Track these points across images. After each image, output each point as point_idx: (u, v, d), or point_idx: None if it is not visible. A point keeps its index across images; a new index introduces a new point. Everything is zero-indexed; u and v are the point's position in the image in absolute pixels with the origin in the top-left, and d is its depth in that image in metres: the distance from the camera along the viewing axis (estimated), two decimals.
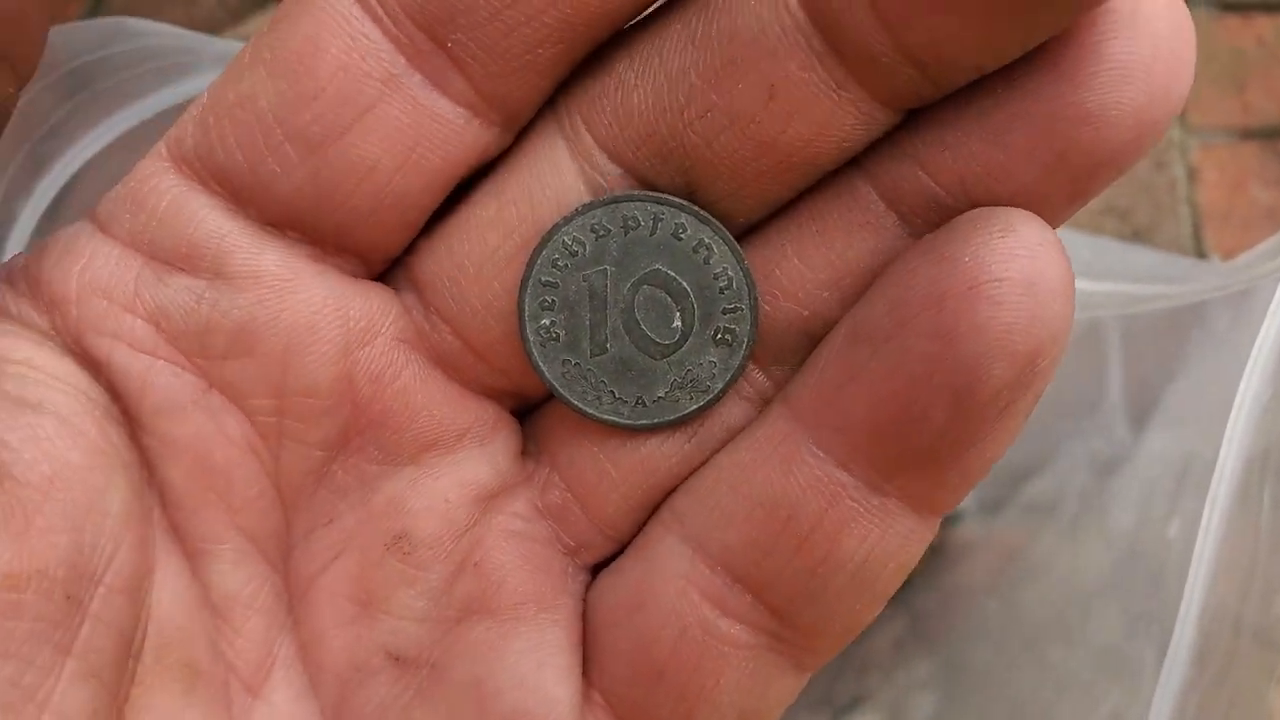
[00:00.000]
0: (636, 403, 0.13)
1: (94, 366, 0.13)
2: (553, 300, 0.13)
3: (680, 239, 0.12)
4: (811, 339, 0.12)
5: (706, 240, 0.12)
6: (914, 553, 0.12)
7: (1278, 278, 0.21)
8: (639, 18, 0.12)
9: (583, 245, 0.13)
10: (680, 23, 0.12)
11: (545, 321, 0.13)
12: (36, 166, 0.22)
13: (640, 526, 0.14)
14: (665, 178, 0.12)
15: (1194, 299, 0.23)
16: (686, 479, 0.13)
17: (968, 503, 0.37)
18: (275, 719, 0.14)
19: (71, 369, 0.13)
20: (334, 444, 0.14)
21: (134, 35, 0.21)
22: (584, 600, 0.14)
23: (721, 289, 0.12)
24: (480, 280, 0.13)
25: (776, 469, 0.12)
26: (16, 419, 0.12)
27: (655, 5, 0.12)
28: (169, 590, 0.13)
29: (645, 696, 0.13)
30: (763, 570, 0.12)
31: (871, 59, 0.11)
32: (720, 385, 0.13)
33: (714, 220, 0.12)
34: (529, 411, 0.15)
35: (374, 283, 0.14)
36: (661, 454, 0.13)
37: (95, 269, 0.13)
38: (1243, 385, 0.21)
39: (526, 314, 0.13)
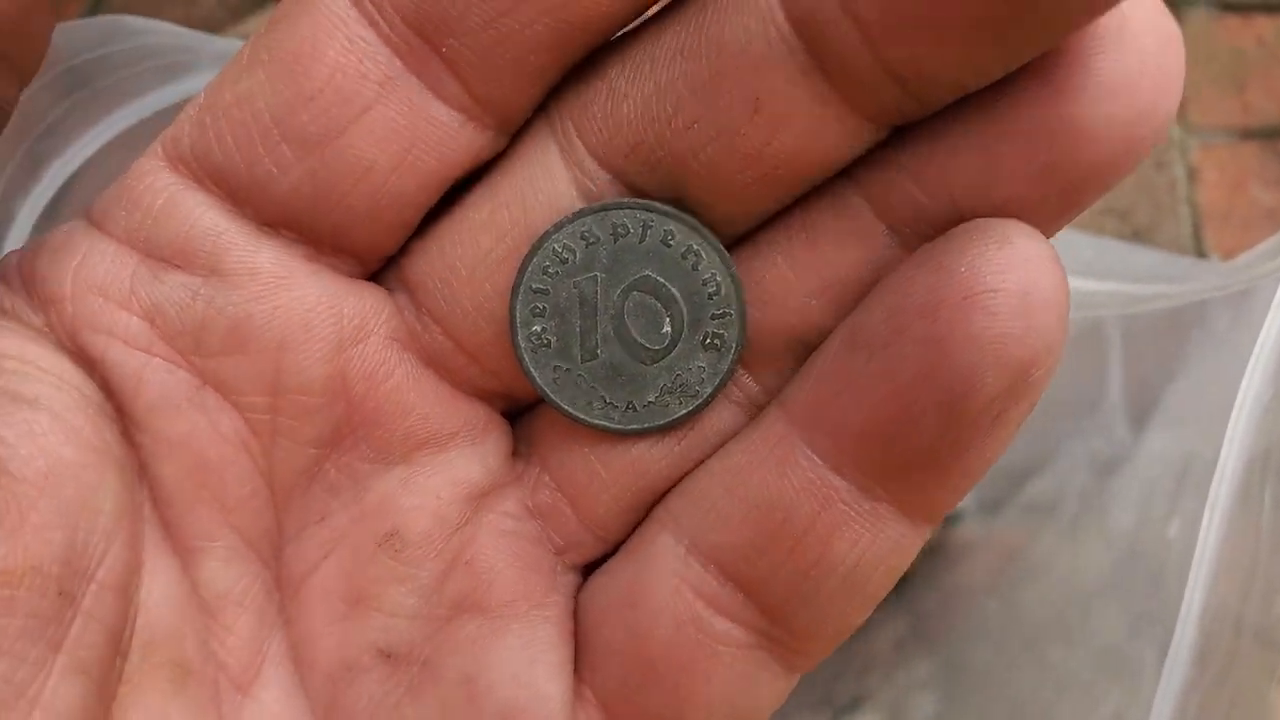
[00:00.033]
0: (627, 407, 0.13)
1: (88, 363, 0.13)
2: (544, 307, 0.13)
3: (669, 246, 0.12)
4: (800, 345, 0.13)
5: (695, 247, 0.12)
6: (905, 558, 0.12)
7: (1278, 277, 0.21)
8: (634, 25, 0.12)
9: (573, 252, 0.13)
10: (671, 33, 0.12)
11: (536, 328, 0.13)
12: (35, 165, 0.22)
13: (630, 529, 0.14)
14: (654, 185, 0.12)
15: (1195, 299, 0.23)
16: (681, 480, 0.13)
17: (968, 502, 0.37)
18: (264, 717, 0.14)
19: (66, 366, 0.13)
20: (326, 442, 0.14)
21: (133, 33, 0.21)
22: (575, 600, 0.14)
23: (710, 295, 0.13)
24: (472, 282, 0.13)
25: (771, 471, 0.12)
26: (12, 414, 0.12)
27: (651, 12, 0.12)
28: (158, 588, 0.13)
29: (637, 693, 0.13)
30: (756, 570, 0.12)
31: (855, 75, 0.11)
32: (709, 390, 0.13)
33: (702, 227, 0.12)
34: (520, 414, 0.15)
35: (367, 282, 0.14)
36: (651, 457, 0.13)
37: (91, 266, 0.13)
38: (1244, 385, 0.21)
39: (518, 320, 0.13)
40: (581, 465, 0.14)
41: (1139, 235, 0.53)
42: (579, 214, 0.12)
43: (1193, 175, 0.55)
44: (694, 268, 0.12)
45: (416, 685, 0.14)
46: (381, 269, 0.14)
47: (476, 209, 0.13)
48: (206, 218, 0.13)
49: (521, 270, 0.13)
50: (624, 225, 0.12)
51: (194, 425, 0.13)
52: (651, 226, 0.12)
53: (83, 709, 0.12)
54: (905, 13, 0.10)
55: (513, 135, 0.13)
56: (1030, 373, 0.11)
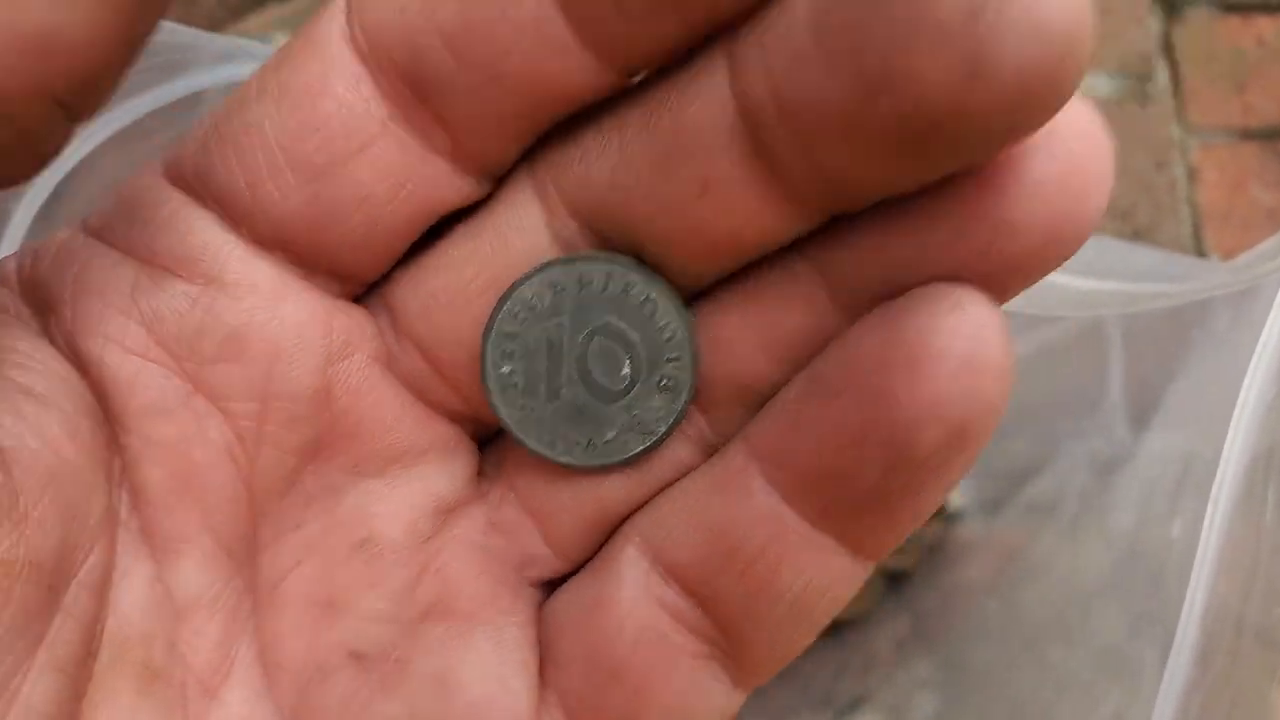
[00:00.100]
0: (588, 444, 0.14)
1: (83, 366, 0.13)
2: (513, 349, 0.14)
3: (629, 295, 0.13)
4: (747, 392, 0.13)
5: (652, 296, 0.13)
6: (848, 590, 0.13)
7: None
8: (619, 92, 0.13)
9: (542, 299, 0.13)
10: (641, 107, 0.12)
11: (505, 369, 0.14)
12: None
13: (591, 551, 0.15)
14: (618, 240, 0.13)
15: (1196, 298, 0.23)
16: (649, 501, 0.14)
17: (968, 502, 0.37)
18: (230, 719, 0.14)
19: (67, 368, 0.13)
20: (307, 452, 0.14)
21: None
22: (538, 613, 0.15)
23: (665, 340, 0.13)
24: (452, 309, 0.14)
25: (730, 498, 0.13)
26: (22, 409, 0.12)
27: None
28: (131, 590, 0.13)
29: (599, 696, 0.14)
30: (712, 589, 0.13)
31: (792, 172, 0.11)
32: (664, 428, 0.14)
33: (660, 280, 0.13)
34: (487, 439, 0.15)
35: (353, 303, 0.14)
36: (611, 486, 0.14)
37: (91, 272, 0.13)
38: (1245, 384, 0.21)
39: (488, 362, 0.14)
40: (544, 487, 0.14)
41: (1139, 235, 0.53)
42: (548, 264, 0.13)
43: (1193, 175, 0.55)
44: (651, 315, 0.13)
45: (387, 683, 0.14)
46: (364, 293, 0.15)
47: (459, 245, 0.14)
48: (207, 231, 0.13)
49: (493, 315, 0.14)
50: (589, 275, 0.13)
51: (183, 429, 0.14)
52: (614, 277, 0.13)
53: (57, 707, 0.12)
54: (833, 129, 0.11)
55: (497, 181, 0.14)
56: (969, 432, 0.11)
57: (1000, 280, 0.11)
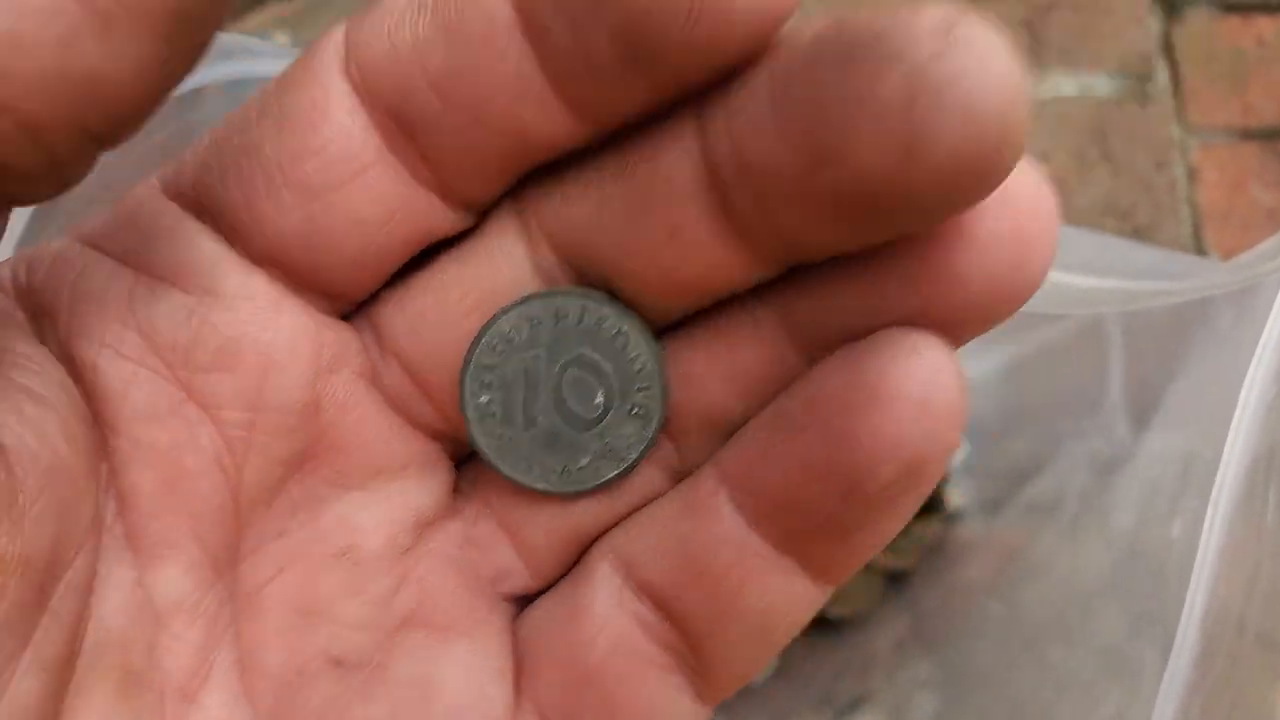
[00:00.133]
0: (563, 471, 0.14)
1: (76, 371, 0.14)
2: (491, 380, 0.14)
3: (602, 328, 0.14)
4: (713, 423, 0.14)
5: (624, 329, 0.14)
6: (807, 612, 0.14)
7: None
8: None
9: (519, 332, 0.14)
10: (619, 156, 0.13)
11: (483, 399, 0.14)
12: None
13: (564, 569, 0.15)
14: (594, 276, 0.14)
15: (1197, 296, 0.23)
16: (621, 522, 0.15)
17: (968, 502, 0.37)
18: None
19: (61, 372, 0.13)
20: (294, 462, 0.15)
21: None
22: (513, 625, 0.15)
23: (636, 370, 0.14)
24: (438, 328, 0.14)
25: (701, 520, 0.13)
26: (24, 408, 0.12)
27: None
28: (112, 594, 0.13)
29: (573, 704, 0.14)
30: (681, 604, 0.14)
31: (751, 226, 0.12)
32: (635, 454, 0.14)
33: (632, 314, 0.14)
34: (463, 458, 0.16)
35: (341, 320, 0.15)
36: (583, 508, 0.15)
37: (88, 280, 0.14)
38: (1246, 384, 0.21)
39: (467, 392, 0.14)
40: (519, 508, 0.15)
41: (1139, 235, 0.53)
42: (525, 299, 0.14)
43: (1193, 175, 0.55)
44: (623, 347, 0.14)
45: (368, 687, 0.15)
46: (350, 311, 0.15)
47: (446, 270, 0.14)
48: (205, 245, 0.14)
49: (472, 347, 0.14)
50: (564, 309, 0.14)
51: (174, 436, 0.14)
52: (588, 311, 0.14)
53: (39, 707, 0.12)
54: (784, 193, 0.11)
55: (483, 213, 0.14)
56: (923, 469, 0.12)
57: (952, 328, 0.12)
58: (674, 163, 0.12)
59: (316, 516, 0.15)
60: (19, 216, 0.22)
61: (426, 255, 0.14)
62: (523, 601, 0.15)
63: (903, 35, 0.10)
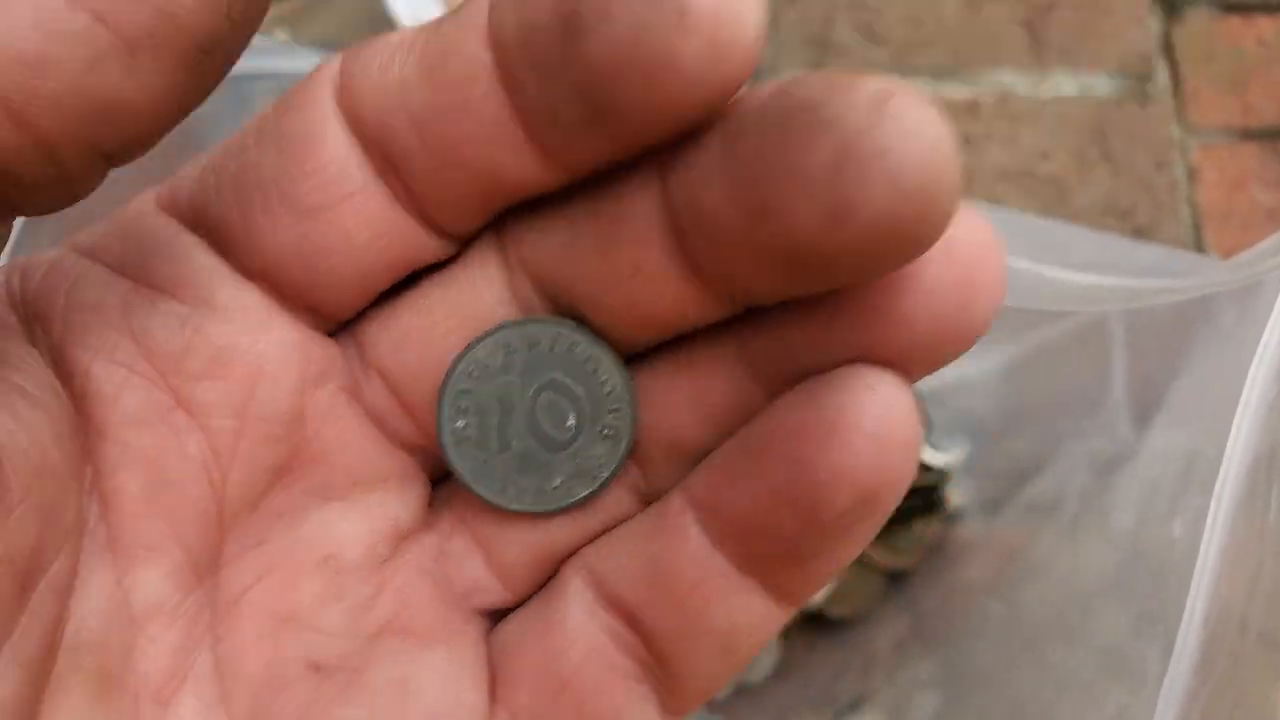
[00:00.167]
0: (537, 491, 0.15)
1: (67, 376, 0.14)
2: (468, 405, 0.15)
3: (574, 353, 0.15)
4: (677, 448, 0.15)
5: (595, 354, 0.15)
6: (768, 632, 0.14)
7: None
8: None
9: (495, 359, 0.15)
10: (590, 196, 0.14)
11: (460, 424, 0.15)
12: None
13: (536, 585, 0.16)
14: (566, 304, 0.14)
15: (1199, 294, 0.23)
16: (593, 540, 0.15)
17: (968, 502, 0.37)
18: None
19: (51, 376, 0.14)
20: (278, 471, 0.15)
21: None
22: (486, 636, 0.16)
23: (606, 393, 0.15)
24: (422, 345, 0.15)
25: (669, 539, 0.14)
26: (17, 408, 0.12)
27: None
28: (91, 596, 0.13)
29: (547, 709, 0.15)
30: (650, 619, 0.14)
31: (705, 267, 0.13)
32: (606, 474, 0.15)
33: (602, 341, 0.14)
34: (438, 474, 0.16)
35: (327, 337, 0.15)
36: (555, 526, 0.15)
37: (83, 288, 0.14)
38: (1249, 382, 0.21)
39: (444, 417, 0.15)
40: (493, 525, 0.16)
41: (1139, 235, 0.53)
42: (501, 327, 0.15)
43: (1193, 175, 0.54)
44: (594, 372, 0.15)
45: (346, 691, 0.15)
46: (334, 329, 0.16)
47: (430, 293, 0.15)
48: (200, 256, 0.14)
49: (449, 374, 0.15)
50: (538, 336, 0.15)
51: (163, 441, 0.14)
52: (560, 338, 0.15)
53: (16, 707, 0.12)
54: (732, 243, 0.12)
55: (465, 242, 0.15)
56: (877, 498, 0.13)
57: (903, 366, 0.13)
58: (639, 205, 0.13)
59: (298, 525, 0.15)
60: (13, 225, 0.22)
61: (411, 279, 0.15)
62: (495, 615, 0.16)
63: (838, 105, 0.11)
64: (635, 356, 0.15)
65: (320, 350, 0.15)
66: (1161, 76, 0.56)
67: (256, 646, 0.15)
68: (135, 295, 0.14)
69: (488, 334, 0.15)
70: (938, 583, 0.34)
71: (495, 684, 0.15)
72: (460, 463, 0.15)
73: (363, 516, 0.15)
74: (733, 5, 0.11)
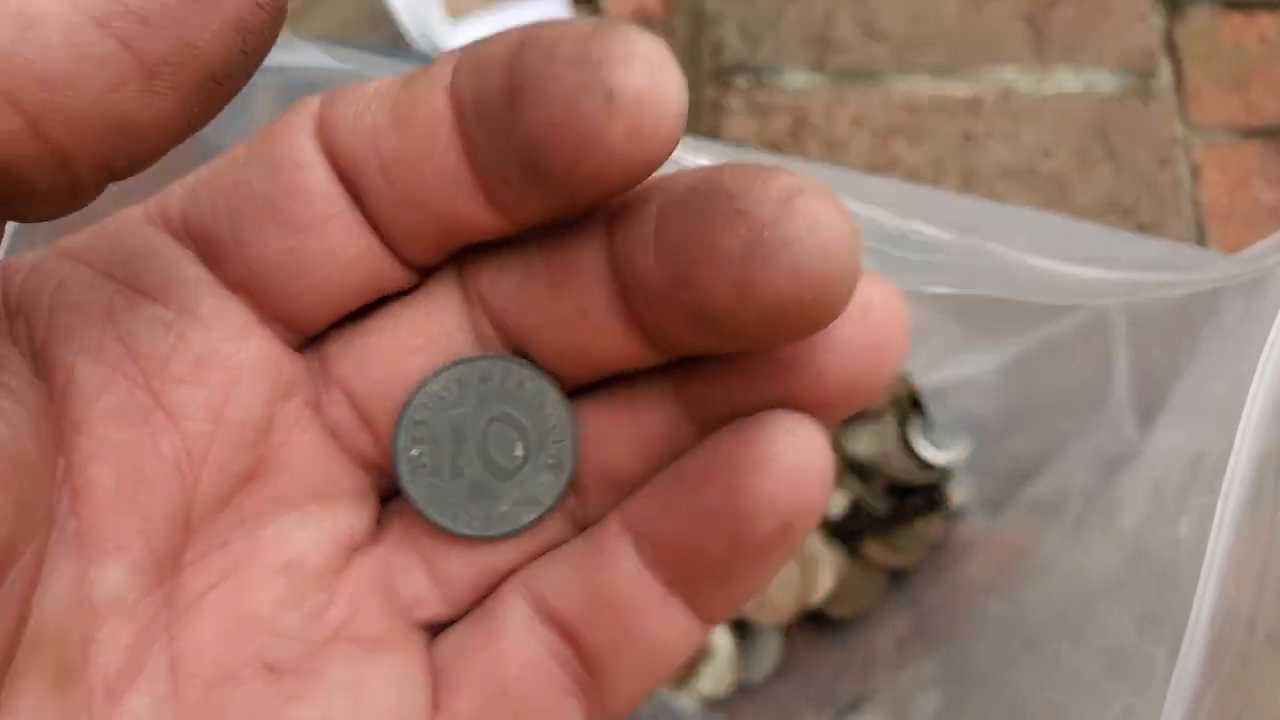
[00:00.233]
0: (485, 517, 0.16)
1: (48, 372, 0.14)
2: (422, 435, 0.16)
3: (523, 388, 0.16)
4: (612, 480, 0.16)
5: (541, 389, 0.16)
6: (690, 647, 0.16)
7: None
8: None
9: (450, 392, 0.16)
10: (544, 240, 0.15)
11: (414, 452, 0.16)
12: None
13: (475, 602, 0.17)
14: (517, 339, 0.16)
15: (1203, 287, 0.23)
16: (534, 559, 0.16)
17: (970, 500, 0.37)
18: None
19: (30, 371, 0.14)
20: (244, 477, 0.16)
21: None
22: (429, 647, 0.17)
23: (551, 426, 0.16)
24: (387, 363, 0.16)
25: (604, 560, 0.15)
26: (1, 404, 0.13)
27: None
28: (54, 589, 0.14)
29: (486, 717, 0.16)
30: (584, 634, 0.15)
31: (643, 317, 0.14)
32: (550, 501, 0.16)
33: (549, 377, 0.16)
34: (387, 491, 0.17)
35: (295, 352, 0.16)
36: (498, 548, 0.17)
37: (69, 289, 0.15)
38: (1256, 378, 0.21)
39: (400, 446, 0.16)
40: (438, 544, 0.16)
41: (1142, 232, 0.53)
42: (455, 362, 0.16)
43: (1195, 173, 0.54)
44: (540, 405, 0.16)
45: (299, 691, 0.16)
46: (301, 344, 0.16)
47: (396, 315, 0.16)
48: (185, 265, 0.15)
49: (405, 405, 0.16)
50: (489, 372, 0.16)
51: (140, 438, 0.14)
52: (510, 373, 0.16)
53: None
54: (660, 301, 0.14)
55: (428, 273, 0.16)
56: (794, 525, 0.14)
57: (820, 411, 0.14)
58: (587, 256, 0.14)
59: (260, 530, 0.16)
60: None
61: (376, 304, 0.16)
62: (435, 628, 0.17)
63: (753, 198, 0.12)
64: (579, 390, 0.16)
65: (290, 364, 0.16)
66: (1164, 74, 0.56)
67: (213, 645, 0.15)
68: (121, 298, 0.15)
69: (443, 369, 0.16)
70: (939, 581, 0.34)
71: (439, 691, 0.16)
72: (414, 489, 0.16)
73: (319, 526, 0.16)
74: (656, 90, 0.12)
